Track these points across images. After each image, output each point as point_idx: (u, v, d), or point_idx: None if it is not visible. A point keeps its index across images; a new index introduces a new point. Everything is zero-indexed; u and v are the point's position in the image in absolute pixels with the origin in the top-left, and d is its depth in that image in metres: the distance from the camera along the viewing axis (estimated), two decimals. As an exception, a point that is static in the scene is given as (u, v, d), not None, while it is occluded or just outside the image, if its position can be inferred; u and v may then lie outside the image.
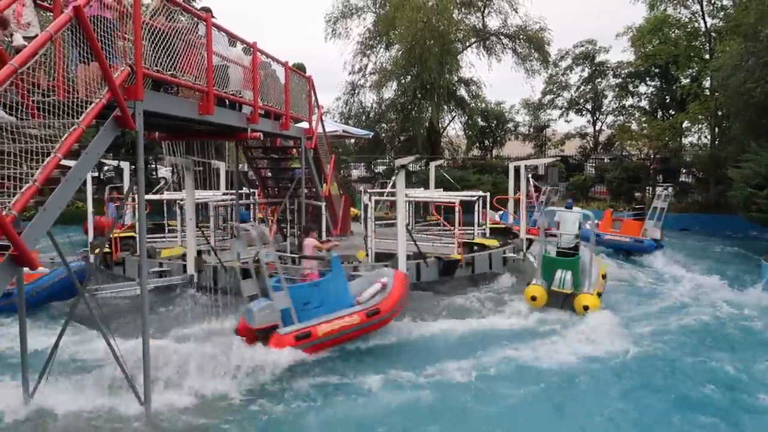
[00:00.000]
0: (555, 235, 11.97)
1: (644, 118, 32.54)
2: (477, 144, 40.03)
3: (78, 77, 5.61)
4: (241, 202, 15.53)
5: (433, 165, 21.40)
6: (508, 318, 10.61)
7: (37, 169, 4.60)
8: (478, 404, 7.08)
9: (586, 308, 10.21)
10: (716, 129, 26.66)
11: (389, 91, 32.84)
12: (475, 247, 14.47)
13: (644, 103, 34.71)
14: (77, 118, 5.13)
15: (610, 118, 37.17)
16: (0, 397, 6.95)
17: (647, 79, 33.37)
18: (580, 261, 10.95)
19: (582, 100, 37.10)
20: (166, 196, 16.88)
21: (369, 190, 14.66)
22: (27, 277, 9.01)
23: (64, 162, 5.01)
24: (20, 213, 4.35)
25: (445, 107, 33.57)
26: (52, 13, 6.64)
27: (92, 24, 5.34)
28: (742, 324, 10.47)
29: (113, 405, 6.71)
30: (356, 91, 33.99)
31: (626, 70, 33.75)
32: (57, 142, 4.84)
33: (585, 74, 36.33)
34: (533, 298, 10.64)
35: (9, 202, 4.26)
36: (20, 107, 4.92)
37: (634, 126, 33.16)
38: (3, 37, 5.50)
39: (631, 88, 34.72)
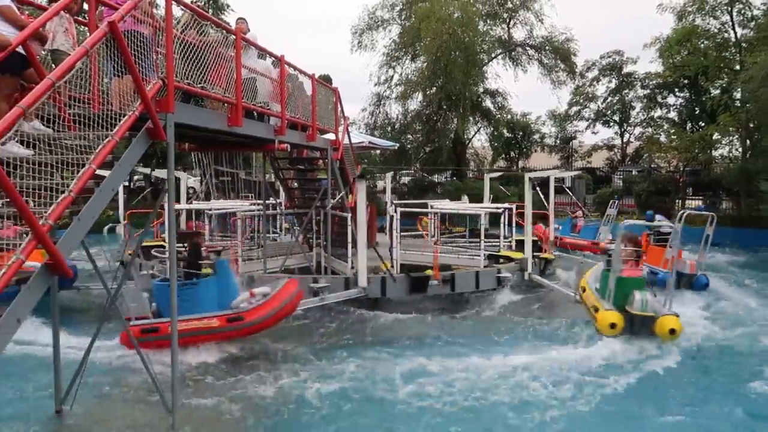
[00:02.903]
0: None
1: (673, 130, 32.08)
2: (503, 155, 39.89)
3: (112, 90, 5.75)
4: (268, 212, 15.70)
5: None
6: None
7: (71, 179, 4.70)
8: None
9: (672, 332, 9.26)
10: (747, 141, 26.12)
11: (414, 103, 33.04)
12: (501, 260, 14.36)
13: (673, 115, 34.32)
14: (111, 130, 5.25)
15: (638, 130, 36.83)
16: (32, 404, 7.11)
17: (676, 90, 32.94)
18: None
19: (609, 112, 36.77)
20: (194, 205, 17.15)
21: (395, 201, 14.66)
22: None
23: (96, 172, 5.10)
24: (55, 223, 4.45)
25: (471, 118, 33.61)
26: (87, 28, 6.83)
27: (126, 39, 5.47)
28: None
29: (140, 412, 6.81)
30: (382, 103, 34.23)
31: (654, 81, 33.39)
32: (91, 153, 4.95)
33: (612, 85, 36.08)
34: (612, 326, 9.49)
35: (45, 212, 4.35)
36: (57, 119, 5.04)
37: (662, 138, 32.72)
38: (41, 52, 5.66)
39: (659, 100, 34.33)
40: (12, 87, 5.26)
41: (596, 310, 10.01)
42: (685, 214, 11.33)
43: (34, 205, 4.46)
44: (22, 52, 4.90)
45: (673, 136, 30.91)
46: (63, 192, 4.55)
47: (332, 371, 8.50)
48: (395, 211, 13.33)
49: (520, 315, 11.70)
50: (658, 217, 15.03)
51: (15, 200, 3.86)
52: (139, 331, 8.31)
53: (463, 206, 17.32)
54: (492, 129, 36.07)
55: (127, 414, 6.93)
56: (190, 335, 8.62)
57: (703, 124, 30.26)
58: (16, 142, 4.75)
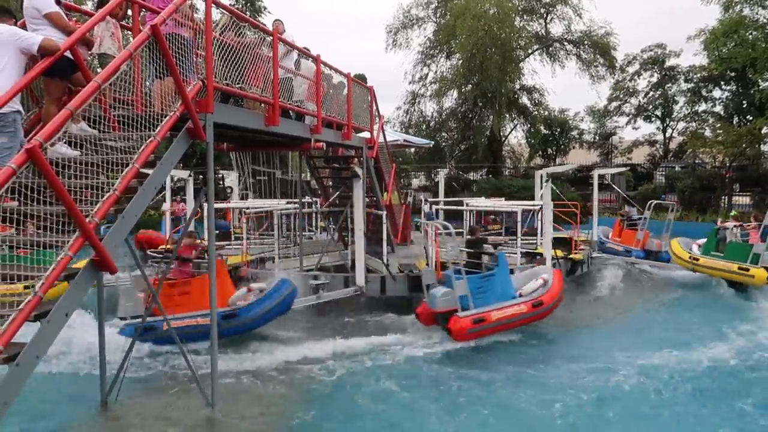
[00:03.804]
0: None
1: (719, 124, 31.00)
2: (540, 152, 39.33)
3: (154, 91, 5.92)
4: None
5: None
6: None
7: (116, 179, 4.87)
8: None
9: None
10: (799, 135, 25.13)
11: (449, 100, 32.86)
12: (537, 257, 14.20)
13: (719, 109, 33.14)
14: (153, 130, 5.41)
15: (681, 125, 35.75)
16: (80, 395, 7.38)
17: (722, 83, 31.84)
18: None
19: (651, 107, 35.81)
20: (232, 204, 17.45)
21: (429, 199, 14.65)
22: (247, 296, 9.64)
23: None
24: (101, 220, 4.61)
25: (507, 115, 33.20)
26: (130, 32, 7.04)
27: (168, 41, 5.62)
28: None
29: (183, 405, 7.01)
30: (417, 101, 34.12)
31: (699, 75, 32.34)
32: (135, 153, 5.11)
33: (654, 79, 35.07)
34: None
35: (92, 210, 4.52)
36: (102, 121, 5.22)
37: (707, 132, 31.68)
38: (87, 56, 5.86)
39: (704, 93, 33.23)
40: (60, 90, 5.47)
41: (746, 270, 12.42)
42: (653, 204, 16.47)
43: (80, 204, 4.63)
44: (70, 56, 5.09)
45: (718, 131, 29.91)
46: (108, 191, 4.71)
47: (432, 371, 8.56)
48: (430, 209, 13.32)
49: (650, 295, 13.72)
50: (627, 207, 19.70)
51: (64, 199, 4.01)
52: (471, 321, 9.16)
53: (499, 204, 17.16)
54: (529, 126, 35.58)
55: (169, 406, 7.12)
56: (507, 322, 9.66)
57: (751, 118, 29.18)
58: (64, 143, 4.94)
